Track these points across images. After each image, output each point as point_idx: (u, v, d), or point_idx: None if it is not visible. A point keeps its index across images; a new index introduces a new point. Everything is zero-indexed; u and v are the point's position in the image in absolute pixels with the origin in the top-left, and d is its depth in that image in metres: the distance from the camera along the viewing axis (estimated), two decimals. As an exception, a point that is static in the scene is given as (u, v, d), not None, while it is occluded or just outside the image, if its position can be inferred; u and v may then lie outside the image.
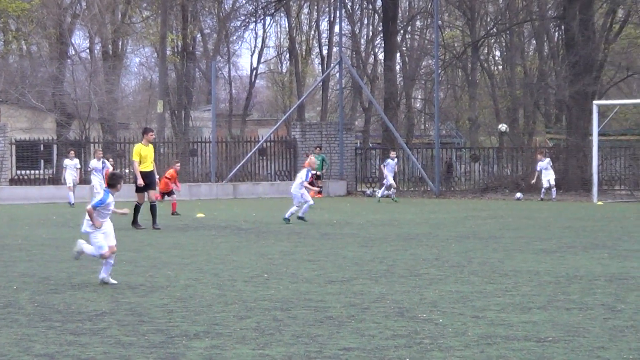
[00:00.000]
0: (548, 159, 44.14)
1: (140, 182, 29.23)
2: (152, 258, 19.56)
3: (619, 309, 12.20)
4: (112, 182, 16.51)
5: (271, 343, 10.02)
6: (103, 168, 41.41)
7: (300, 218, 28.77)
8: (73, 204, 39.83)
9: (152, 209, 28.96)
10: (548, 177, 44.23)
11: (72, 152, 35.27)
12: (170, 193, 35.75)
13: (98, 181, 39.78)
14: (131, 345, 9.77)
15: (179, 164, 39.99)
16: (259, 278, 15.58)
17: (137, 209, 29.05)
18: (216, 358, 9.49)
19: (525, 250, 20.41)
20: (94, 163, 43.83)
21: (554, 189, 43.92)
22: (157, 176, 31.01)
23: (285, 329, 10.71)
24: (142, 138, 32.15)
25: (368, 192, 55.65)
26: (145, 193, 30.00)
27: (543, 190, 43.82)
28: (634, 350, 9.62)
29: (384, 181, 46.92)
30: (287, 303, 12.82)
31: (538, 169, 46.37)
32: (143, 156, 30.38)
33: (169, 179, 36.60)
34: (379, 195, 43.11)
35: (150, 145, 31.06)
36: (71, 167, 42.95)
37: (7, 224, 31.93)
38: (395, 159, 46.74)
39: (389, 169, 44.67)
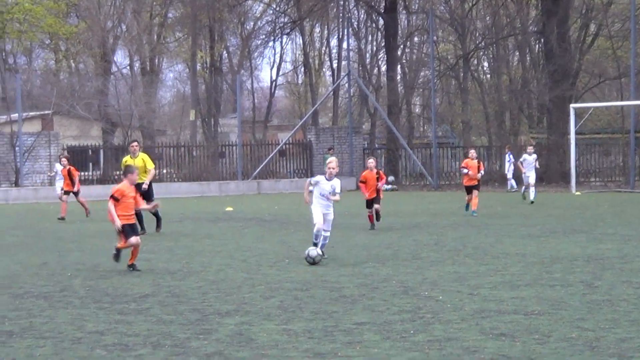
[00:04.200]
0: (535, 156, 38.73)
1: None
2: (187, 247, 19.54)
3: (596, 285, 12.27)
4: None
5: (293, 319, 10.13)
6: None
7: None
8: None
9: (156, 215, 25.25)
10: (530, 175, 38.21)
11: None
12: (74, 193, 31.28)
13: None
14: (171, 323, 9.92)
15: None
16: (281, 263, 15.66)
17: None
18: (245, 333, 9.62)
19: (513, 235, 20.44)
20: (58, 167, 39.65)
21: (534, 188, 37.66)
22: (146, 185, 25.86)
23: (305, 307, 10.80)
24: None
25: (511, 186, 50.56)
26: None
27: (524, 187, 38.83)
28: (610, 321, 9.72)
29: (510, 177, 45.76)
30: (306, 284, 12.86)
31: (522, 159, 40.59)
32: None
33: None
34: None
35: (139, 156, 26.94)
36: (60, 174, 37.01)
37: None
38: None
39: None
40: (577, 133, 46.89)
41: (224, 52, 72.79)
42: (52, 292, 12.67)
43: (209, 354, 8.67)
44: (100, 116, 62.58)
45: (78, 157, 55.93)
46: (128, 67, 73.06)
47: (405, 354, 8.47)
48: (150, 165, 25.55)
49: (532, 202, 34.51)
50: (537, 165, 38.21)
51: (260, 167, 54.56)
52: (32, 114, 63.37)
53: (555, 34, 55.01)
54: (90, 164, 57.68)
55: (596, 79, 63.44)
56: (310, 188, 16.32)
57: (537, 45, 63.49)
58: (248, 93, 75.38)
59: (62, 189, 32.80)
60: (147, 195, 24.37)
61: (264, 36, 72.49)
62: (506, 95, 61.46)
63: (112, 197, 15.34)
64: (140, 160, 25.63)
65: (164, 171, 58.40)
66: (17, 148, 51.96)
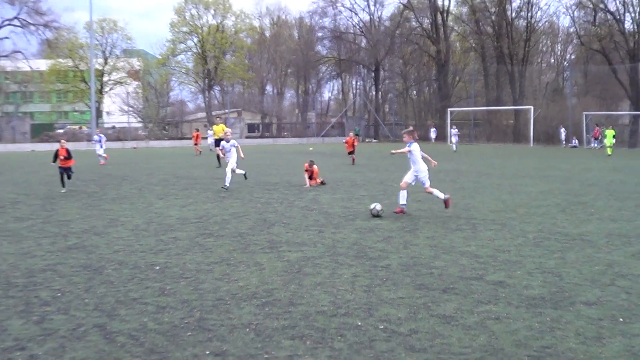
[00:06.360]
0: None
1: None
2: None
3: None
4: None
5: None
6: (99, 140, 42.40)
7: None
8: None
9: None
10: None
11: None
12: None
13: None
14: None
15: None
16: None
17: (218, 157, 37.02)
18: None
19: None
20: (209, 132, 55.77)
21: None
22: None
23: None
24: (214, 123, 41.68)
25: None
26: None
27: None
28: None
29: None
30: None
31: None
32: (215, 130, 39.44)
33: None
34: None
35: (220, 125, 39.33)
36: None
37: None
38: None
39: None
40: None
41: (310, 85, 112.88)
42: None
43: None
44: (258, 110, 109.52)
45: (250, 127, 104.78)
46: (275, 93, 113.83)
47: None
48: (224, 129, 34.54)
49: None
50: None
51: (324, 131, 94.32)
52: (234, 110, 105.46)
53: (441, 78, 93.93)
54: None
55: (458, 99, 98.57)
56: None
57: (434, 84, 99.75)
58: (320, 107, 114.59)
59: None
60: (219, 142, 32.83)
61: (325, 79, 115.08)
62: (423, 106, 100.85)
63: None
64: (220, 126, 38.29)
65: (285, 133, 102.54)
66: (228, 123, 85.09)
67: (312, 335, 7.75)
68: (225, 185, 23.86)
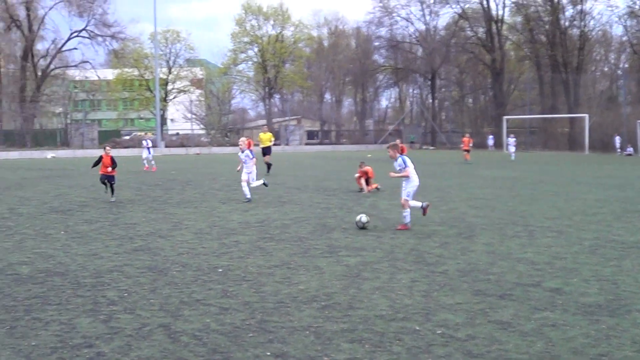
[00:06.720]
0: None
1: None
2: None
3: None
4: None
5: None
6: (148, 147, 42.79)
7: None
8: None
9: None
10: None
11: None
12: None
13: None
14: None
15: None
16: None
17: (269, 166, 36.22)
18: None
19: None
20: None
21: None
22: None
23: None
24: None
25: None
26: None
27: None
28: None
29: None
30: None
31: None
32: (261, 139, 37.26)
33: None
34: None
35: (268, 133, 37.55)
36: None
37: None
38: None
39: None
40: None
41: (368, 93, 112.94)
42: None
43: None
44: (317, 118, 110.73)
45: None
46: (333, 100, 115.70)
47: None
48: (272, 137, 36.27)
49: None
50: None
51: (382, 138, 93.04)
52: (294, 117, 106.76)
53: (497, 86, 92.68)
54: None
55: (514, 107, 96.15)
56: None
57: (490, 92, 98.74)
58: (377, 110, 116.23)
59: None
60: (268, 150, 35.81)
61: (382, 87, 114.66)
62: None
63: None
64: (267, 135, 36.85)
65: (344, 140, 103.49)
66: (288, 130, 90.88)
67: (371, 339, 7.74)
68: (248, 198, 22.45)
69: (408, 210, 15.79)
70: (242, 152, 23.15)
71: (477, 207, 20.39)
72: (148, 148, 42.61)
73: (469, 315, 8.64)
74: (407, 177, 15.95)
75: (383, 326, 8.20)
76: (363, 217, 15.93)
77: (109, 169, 23.34)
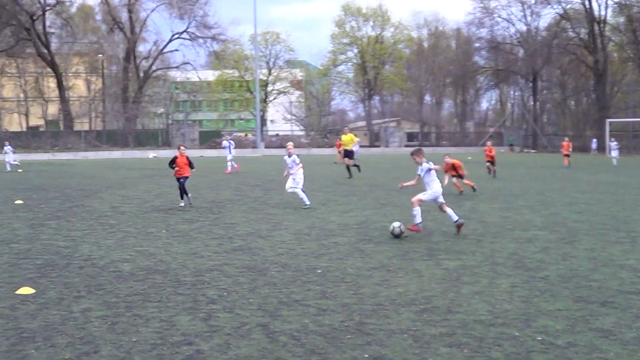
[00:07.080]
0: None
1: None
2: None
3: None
4: None
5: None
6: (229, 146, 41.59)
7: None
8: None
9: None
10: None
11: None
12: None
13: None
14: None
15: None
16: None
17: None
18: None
19: None
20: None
21: None
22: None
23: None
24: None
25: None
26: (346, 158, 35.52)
27: None
28: None
29: None
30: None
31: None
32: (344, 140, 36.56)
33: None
34: None
35: (348, 135, 36.43)
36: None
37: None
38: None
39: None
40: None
41: (468, 95, 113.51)
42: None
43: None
44: (417, 119, 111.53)
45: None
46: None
47: None
48: (354, 138, 35.58)
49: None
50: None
51: (483, 140, 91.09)
52: (393, 119, 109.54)
53: (599, 89, 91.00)
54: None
55: (617, 110, 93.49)
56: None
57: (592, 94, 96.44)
58: (478, 112, 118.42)
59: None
60: (350, 154, 35.27)
61: (483, 89, 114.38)
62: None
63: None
64: (349, 136, 36.21)
65: (444, 142, 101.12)
66: (388, 131, 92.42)
67: (470, 344, 7.64)
68: (307, 204, 20.85)
69: (417, 209, 15.00)
70: (289, 156, 21.43)
71: (579, 212, 19.97)
72: (229, 148, 41.35)
73: (570, 322, 8.43)
74: (429, 183, 15.30)
75: (482, 331, 8.07)
76: (396, 225, 14.98)
77: (187, 170, 21.85)
